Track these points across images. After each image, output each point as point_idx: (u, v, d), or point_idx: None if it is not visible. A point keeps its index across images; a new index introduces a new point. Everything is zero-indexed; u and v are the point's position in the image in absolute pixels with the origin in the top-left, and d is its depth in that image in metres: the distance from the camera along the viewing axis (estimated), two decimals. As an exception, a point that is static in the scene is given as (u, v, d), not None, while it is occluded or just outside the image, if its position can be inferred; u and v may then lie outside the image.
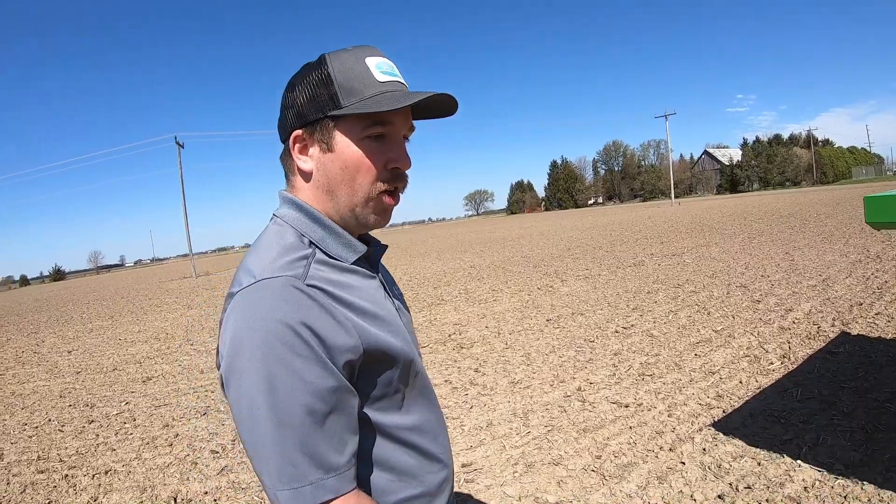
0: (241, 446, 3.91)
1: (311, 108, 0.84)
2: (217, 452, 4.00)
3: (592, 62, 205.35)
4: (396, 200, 0.90)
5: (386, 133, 0.85)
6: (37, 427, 5.24)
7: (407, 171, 0.90)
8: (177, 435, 4.48)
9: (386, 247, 1.02)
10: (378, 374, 0.83)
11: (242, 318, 0.74)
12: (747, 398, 3.74)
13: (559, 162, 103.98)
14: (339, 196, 0.86)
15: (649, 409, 3.79)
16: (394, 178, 0.87)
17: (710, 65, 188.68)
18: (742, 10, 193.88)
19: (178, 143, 36.12)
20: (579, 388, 4.40)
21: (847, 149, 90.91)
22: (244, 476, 3.53)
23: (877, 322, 5.11)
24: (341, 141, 0.84)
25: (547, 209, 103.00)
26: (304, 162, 0.88)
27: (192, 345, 8.65)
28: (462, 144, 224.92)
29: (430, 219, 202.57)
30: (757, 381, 4.02)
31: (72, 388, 6.72)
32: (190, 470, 3.73)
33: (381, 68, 0.84)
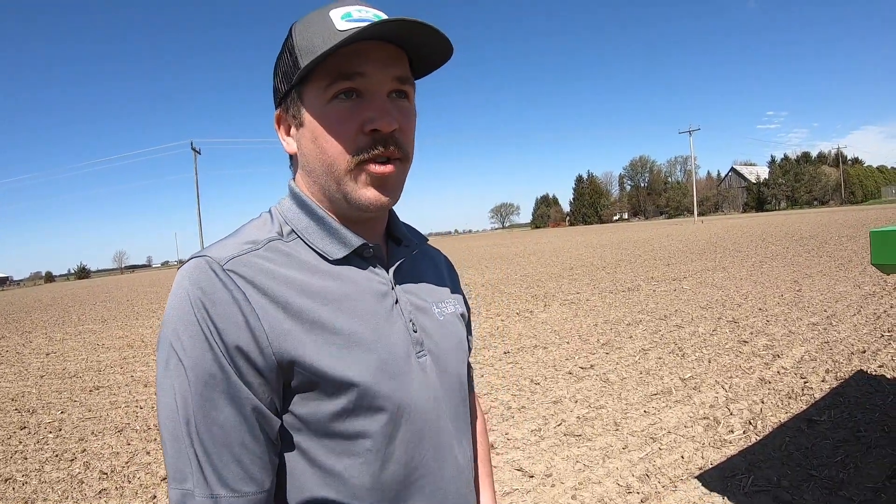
0: (130, 469, 3.86)
1: (282, 83, 0.71)
2: (105, 474, 3.79)
3: (622, 75, 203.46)
4: (389, 169, 0.68)
5: (358, 88, 0.66)
6: (-26, 429, 5.08)
7: (396, 133, 0.68)
8: (84, 450, 4.32)
9: (420, 248, 0.83)
10: (322, 403, 0.64)
11: (170, 295, 0.66)
12: (679, 482, 2.88)
13: (585, 177, 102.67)
14: (318, 175, 0.70)
15: (553, 485, 2.98)
16: (375, 143, 0.66)
17: (741, 81, 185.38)
18: (776, 24, 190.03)
19: (194, 148, 36.34)
20: (492, 445, 3.60)
21: (877, 167, 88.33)
22: (113, 503, 3.35)
23: (879, 377, 4.19)
24: (308, 110, 0.69)
25: (571, 224, 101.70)
26: (287, 144, 0.75)
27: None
28: (490, 157, 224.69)
29: (456, 230, 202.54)
30: (703, 458, 3.15)
31: (28, 392, 6.54)
32: (73, 489, 3.60)
33: (347, 17, 0.66)
